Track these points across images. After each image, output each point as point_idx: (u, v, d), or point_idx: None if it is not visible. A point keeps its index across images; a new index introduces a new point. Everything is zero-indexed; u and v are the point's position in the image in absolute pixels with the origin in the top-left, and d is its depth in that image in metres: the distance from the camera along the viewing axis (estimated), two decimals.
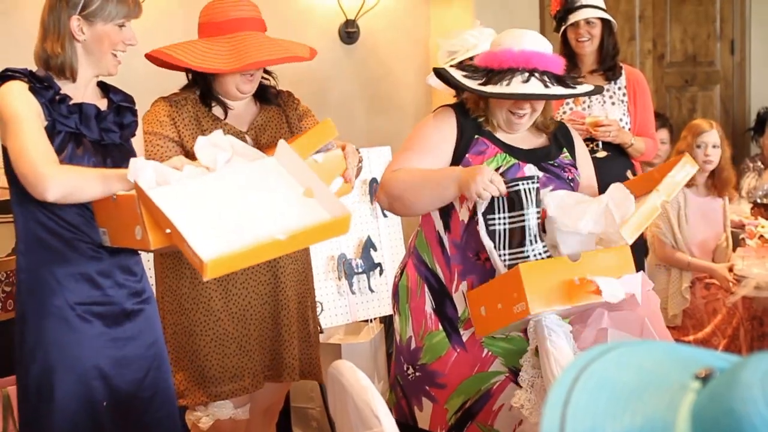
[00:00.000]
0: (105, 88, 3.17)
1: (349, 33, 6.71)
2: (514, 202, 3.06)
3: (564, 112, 4.87)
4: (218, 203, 2.66)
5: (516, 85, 3.12)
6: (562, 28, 4.98)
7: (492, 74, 3.17)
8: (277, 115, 3.70)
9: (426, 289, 3.38)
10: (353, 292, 4.98)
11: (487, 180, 3.03)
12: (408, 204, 3.27)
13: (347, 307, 4.96)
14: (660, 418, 1.00)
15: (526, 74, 3.14)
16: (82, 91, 3.06)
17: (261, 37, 3.50)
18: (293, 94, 3.80)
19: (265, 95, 3.70)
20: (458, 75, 3.27)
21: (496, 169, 3.24)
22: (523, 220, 3.07)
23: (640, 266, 5.06)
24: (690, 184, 5.21)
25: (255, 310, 3.60)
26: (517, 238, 3.09)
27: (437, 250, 3.36)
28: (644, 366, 1.08)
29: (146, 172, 2.69)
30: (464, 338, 3.33)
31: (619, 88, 4.98)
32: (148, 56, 3.50)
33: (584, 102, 4.92)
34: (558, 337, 2.94)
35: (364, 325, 5.16)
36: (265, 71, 3.67)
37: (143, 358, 3.12)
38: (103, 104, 3.09)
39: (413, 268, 3.44)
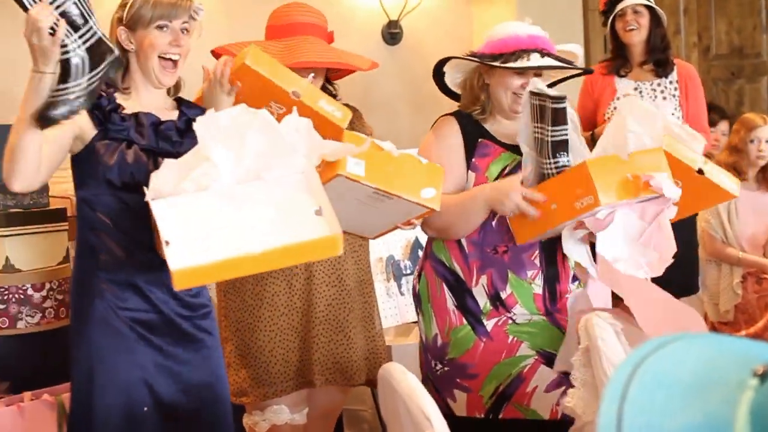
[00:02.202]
0: (181, 103, 3.18)
1: (392, 34, 6.72)
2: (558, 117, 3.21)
3: (614, 108, 4.85)
4: (216, 217, 2.61)
5: (536, 60, 3.34)
6: (610, 18, 4.99)
7: (508, 56, 3.34)
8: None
9: (445, 288, 3.48)
10: (402, 294, 4.98)
11: (515, 203, 3.23)
12: (457, 233, 3.44)
13: (396, 308, 4.96)
14: (718, 415, 0.99)
15: (537, 54, 3.34)
16: (146, 102, 3.07)
17: (317, 41, 3.55)
18: (363, 117, 3.84)
19: None
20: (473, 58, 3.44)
21: (503, 168, 3.43)
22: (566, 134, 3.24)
23: (694, 259, 5.04)
24: (741, 178, 5.17)
25: (319, 309, 3.62)
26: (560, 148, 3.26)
27: (455, 250, 3.47)
28: (700, 361, 1.07)
29: (164, 175, 2.71)
30: (488, 328, 3.43)
31: (671, 83, 4.96)
32: (213, 52, 3.63)
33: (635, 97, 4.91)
34: (609, 336, 2.94)
35: (413, 326, 5.16)
36: (328, 81, 3.71)
37: (197, 382, 3.09)
38: (173, 116, 3.09)
39: (431, 269, 3.54)
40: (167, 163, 2.74)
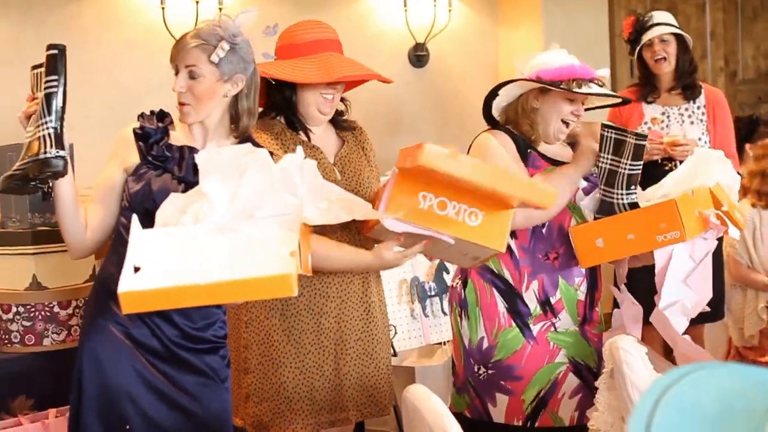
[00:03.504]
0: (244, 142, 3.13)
1: (418, 56, 6.75)
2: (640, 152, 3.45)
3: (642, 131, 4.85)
4: (187, 249, 2.61)
5: (596, 89, 3.53)
6: (637, 49, 4.99)
7: (568, 82, 3.49)
8: (355, 147, 3.72)
9: (495, 292, 3.59)
10: (426, 315, 4.98)
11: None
12: (549, 214, 3.49)
13: (420, 330, 4.97)
14: None
15: (594, 84, 3.55)
16: (199, 137, 3.10)
17: (344, 57, 3.59)
18: (366, 134, 3.83)
19: (339, 122, 3.73)
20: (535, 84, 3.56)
21: None
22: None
23: (720, 285, 5.02)
24: (766, 204, 5.15)
25: (350, 345, 3.60)
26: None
27: (505, 256, 3.54)
28: (725, 390, 1.07)
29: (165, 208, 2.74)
30: (534, 333, 3.57)
31: (698, 107, 4.96)
32: None
33: (662, 122, 4.92)
34: (634, 360, 2.94)
35: (437, 348, 5.16)
36: (341, 97, 3.72)
37: (195, 409, 3.08)
38: None
39: (477, 276, 3.63)
40: (172, 197, 2.78)
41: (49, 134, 2.80)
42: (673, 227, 3.32)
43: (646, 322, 3.60)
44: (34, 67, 2.92)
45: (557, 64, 3.52)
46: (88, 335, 3.03)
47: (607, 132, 3.46)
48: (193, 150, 3.04)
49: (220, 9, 5.78)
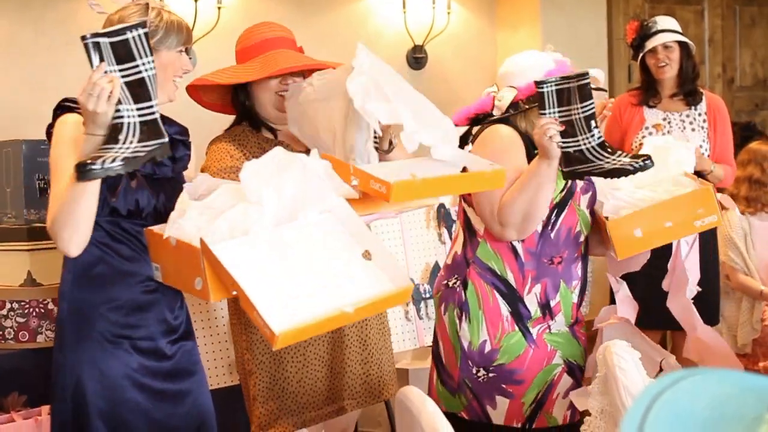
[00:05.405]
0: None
1: (416, 58, 6.76)
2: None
3: (643, 137, 4.85)
4: (283, 267, 2.58)
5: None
6: (640, 55, 4.99)
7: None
8: None
9: (497, 295, 3.55)
10: (420, 317, 4.98)
11: (544, 130, 3.26)
12: (535, 217, 3.44)
13: (414, 332, 4.97)
14: None
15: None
16: None
17: (291, 52, 3.55)
18: None
19: None
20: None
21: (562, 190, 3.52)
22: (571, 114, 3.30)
23: (716, 291, 5.02)
24: (754, 210, 5.17)
25: (345, 333, 3.63)
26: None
27: (510, 258, 3.53)
28: (717, 396, 1.07)
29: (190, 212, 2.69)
30: (534, 336, 3.56)
31: (699, 114, 4.95)
32: (189, 87, 3.55)
33: (664, 128, 4.92)
34: (627, 364, 2.95)
35: (430, 350, 5.16)
36: None
37: (184, 392, 3.09)
38: None
39: (477, 276, 3.58)
40: (193, 205, 2.71)
41: (160, 117, 2.70)
42: (710, 212, 3.45)
43: (639, 324, 3.67)
44: (100, 35, 2.65)
45: (538, 69, 3.50)
46: (80, 354, 2.93)
47: (546, 87, 3.27)
48: None
49: (219, 8, 5.79)
